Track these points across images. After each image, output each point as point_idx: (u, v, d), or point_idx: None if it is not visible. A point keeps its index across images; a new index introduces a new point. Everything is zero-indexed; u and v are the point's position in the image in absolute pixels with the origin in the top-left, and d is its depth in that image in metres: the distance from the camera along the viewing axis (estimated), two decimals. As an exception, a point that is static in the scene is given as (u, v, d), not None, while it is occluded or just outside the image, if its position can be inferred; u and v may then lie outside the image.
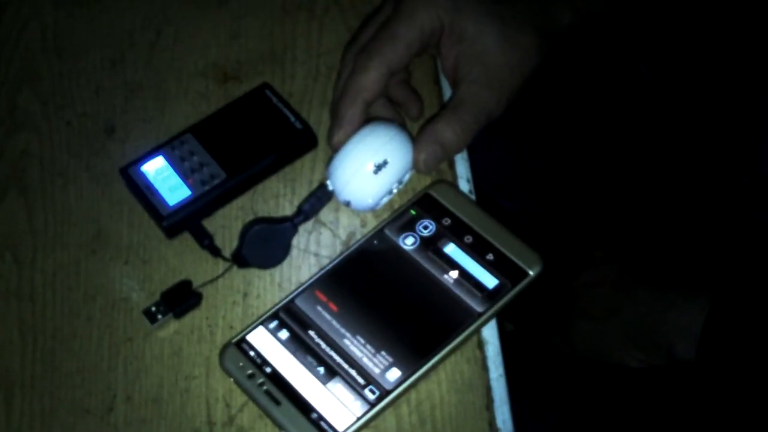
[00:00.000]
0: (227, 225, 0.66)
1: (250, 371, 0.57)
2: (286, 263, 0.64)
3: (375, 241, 0.63)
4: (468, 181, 0.68)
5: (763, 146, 0.85)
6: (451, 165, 0.68)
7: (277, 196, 0.67)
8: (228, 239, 0.65)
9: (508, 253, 0.61)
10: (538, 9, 0.67)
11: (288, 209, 0.67)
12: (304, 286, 0.61)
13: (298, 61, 0.74)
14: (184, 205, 0.64)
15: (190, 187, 0.65)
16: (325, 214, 0.66)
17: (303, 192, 0.67)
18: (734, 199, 0.89)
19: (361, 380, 0.57)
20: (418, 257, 0.62)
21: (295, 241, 0.64)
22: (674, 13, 0.84)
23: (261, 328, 0.59)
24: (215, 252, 0.64)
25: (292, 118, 0.68)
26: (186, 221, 0.64)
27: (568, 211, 0.96)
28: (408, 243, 0.62)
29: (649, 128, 0.95)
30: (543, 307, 0.88)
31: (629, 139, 0.95)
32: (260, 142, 0.67)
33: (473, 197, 0.67)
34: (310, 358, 0.58)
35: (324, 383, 0.57)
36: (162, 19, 0.78)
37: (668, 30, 0.88)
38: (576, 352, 0.84)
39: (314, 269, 0.63)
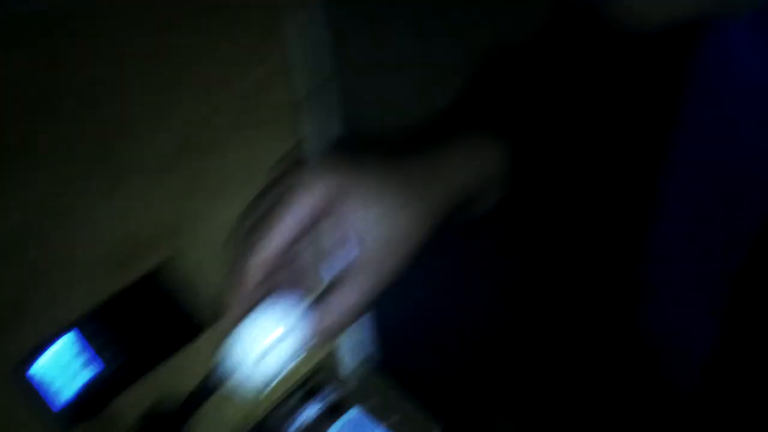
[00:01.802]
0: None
1: None
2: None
3: None
4: (365, 347, 0.66)
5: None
6: (347, 333, 0.67)
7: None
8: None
9: (405, 425, 0.60)
10: (440, 171, 0.66)
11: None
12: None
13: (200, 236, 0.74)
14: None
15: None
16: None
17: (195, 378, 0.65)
18: None
19: None
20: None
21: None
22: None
23: None
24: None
25: (181, 306, 0.68)
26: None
27: (471, 370, 0.93)
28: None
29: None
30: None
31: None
32: (145, 332, 0.67)
33: (371, 364, 0.66)
34: None
35: None
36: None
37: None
38: None
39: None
